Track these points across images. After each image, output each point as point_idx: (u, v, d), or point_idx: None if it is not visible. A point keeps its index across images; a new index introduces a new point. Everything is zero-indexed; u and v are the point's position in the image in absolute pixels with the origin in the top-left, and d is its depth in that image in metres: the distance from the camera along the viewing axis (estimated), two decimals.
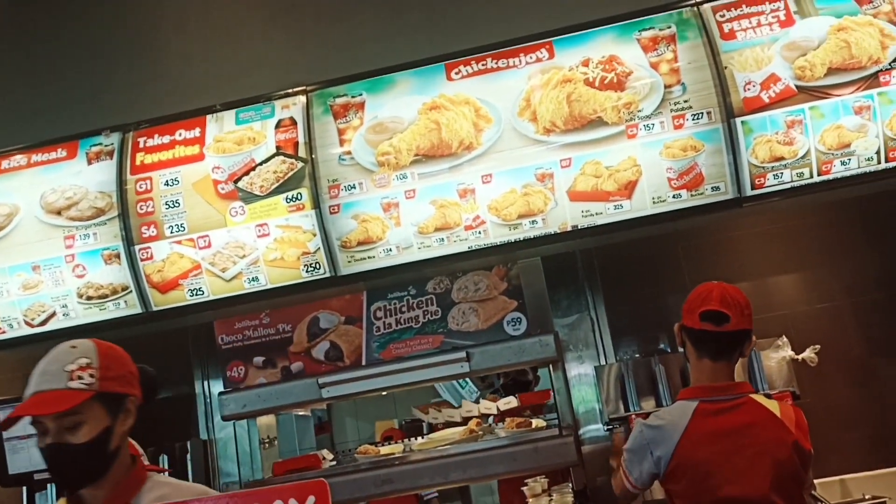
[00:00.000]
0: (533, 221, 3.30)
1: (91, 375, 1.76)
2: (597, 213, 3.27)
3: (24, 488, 3.89)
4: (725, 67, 3.22)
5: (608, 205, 3.26)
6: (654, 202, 3.24)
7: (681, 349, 2.49)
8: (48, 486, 3.84)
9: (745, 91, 3.19)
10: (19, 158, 3.66)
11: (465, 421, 3.99)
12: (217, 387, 3.90)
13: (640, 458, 2.35)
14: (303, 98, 3.50)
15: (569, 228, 3.29)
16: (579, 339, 3.86)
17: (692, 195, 3.22)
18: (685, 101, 3.22)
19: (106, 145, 3.58)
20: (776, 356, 3.58)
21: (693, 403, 2.30)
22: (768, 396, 3.29)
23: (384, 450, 3.79)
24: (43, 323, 3.54)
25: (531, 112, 3.31)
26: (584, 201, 3.28)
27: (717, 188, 3.21)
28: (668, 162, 3.22)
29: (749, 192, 3.20)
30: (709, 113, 3.20)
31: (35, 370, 1.76)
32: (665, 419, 2.35)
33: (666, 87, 3.24)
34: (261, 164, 3.43)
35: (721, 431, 2.25)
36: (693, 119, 3.21)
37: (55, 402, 1.71)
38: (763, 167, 3.18)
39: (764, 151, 3.17)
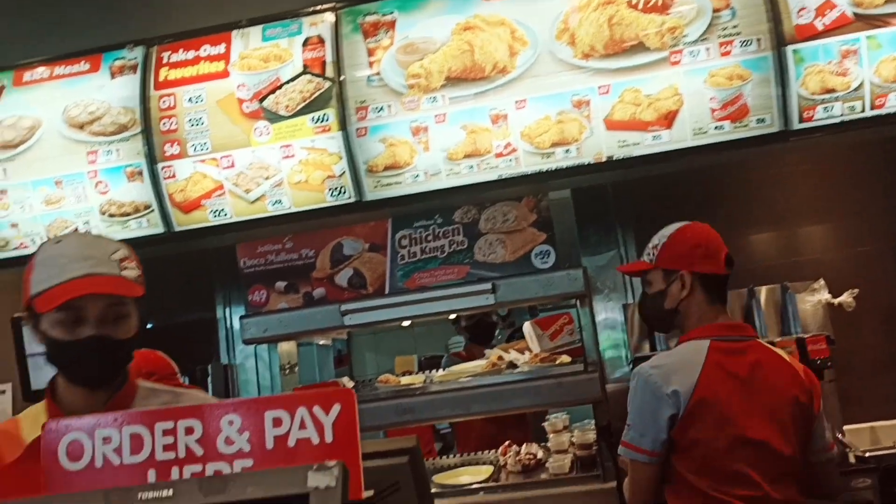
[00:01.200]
0: (567, 150, 3.18)
1: (135, 268, 1.65)
2: (634, 144, 3.14)
3: None
4: None
5: (646, 135, 3.13)
6: (694, 133, 3.10)
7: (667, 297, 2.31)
8: None
9: (797, 17, 3.01)
10: (41, 71, 3.57)
11: None
12: (239, 311, 3.87)
13: (651, 410, 2.07)
14: (332, 15, 3.37)
15: (604, 159, 3.17)
16: (607, 276, 3.77)
17: (735, 127, 3.08)
18: (733, 27, 3.05)
19: (129, 59, 3.48)
20: (812, 300, 3.48)
21: (706, 342, 2.17)
22: (800, 341, 3.23)
23: (405, 380, 3.75)
24: None
25: (569, 35, 3.16)
26: (622, 130, 3.15)
27: (763, 120, 3.07)
28: (712, 91, 3.07)
29: (796, 126, 3.06)
30: (758, 40, 3.04)
31: (62, 253, 1.59)
32: (674, 357, 2.16)
33: (714, 11, 3.07)
34: (287, 82, 3.32)
35: (736, 370, 2.12)
36: (741, 46, 3.04)
37: (121, 286, 1.59)
38: (813, 99, 3.02)
39: (815, 82, 3.01)
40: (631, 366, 3.55)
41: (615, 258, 3.76)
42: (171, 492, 0.95)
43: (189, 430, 1.11)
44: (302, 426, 1.11)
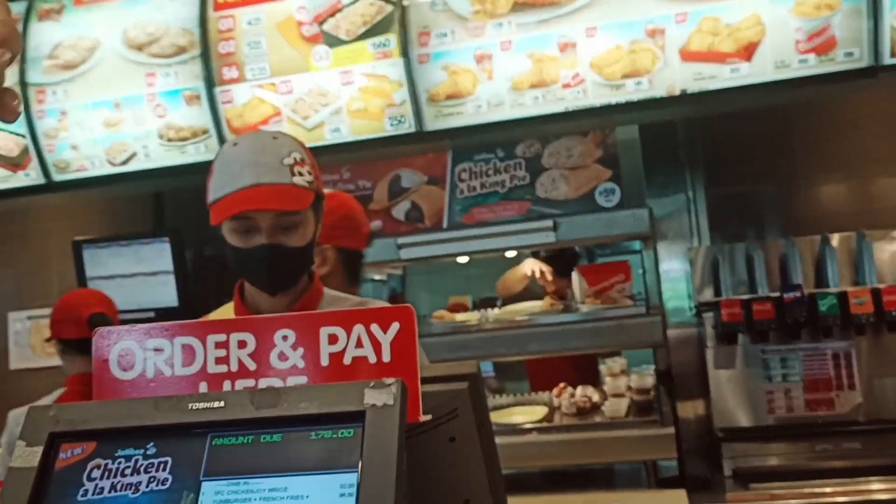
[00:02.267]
0: (638, 82, 3.03)
1: (309, 173, 1.61)
2: (710, 77, 2.97)
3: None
4: None
5: (724, 67, 2.95)
6: (776, 67, 2.91)
7: None
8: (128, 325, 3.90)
9: None
10: None
11: None
12: None
13: None
14: None
15: (677, 92, 3.01)
16: (673, 220, 3.63)
17: (821, 60, 2.88)
18: None
19: None
20: (890, 249, 3.31)
21: None
22: (875, 292, 3.08)
23: (460, 317, 3.70)
24: (124, 162, 3.48)
25: None
26: (698, 62, 2.97)
27: (851, 54, 2.86)
28: (797, 21, 2.87)
29: (887, 61, 2.84)
30: None
31: (236, 159, 1.58)
32: None
33: None
34: (348, 5, 3.21)
35: None
36: None
37: (288, 198, 1.56)
38: None
39: None
40: (694, 311, 3.44)
41: (682, 201, 3.62)
42: (222, 403, 0.90)
43: (242, 344, 1.06)
44: (358, 344, 1.04)
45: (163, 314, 3.85)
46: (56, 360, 4.21)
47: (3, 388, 4.23)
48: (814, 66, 2.88)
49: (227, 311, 1.74)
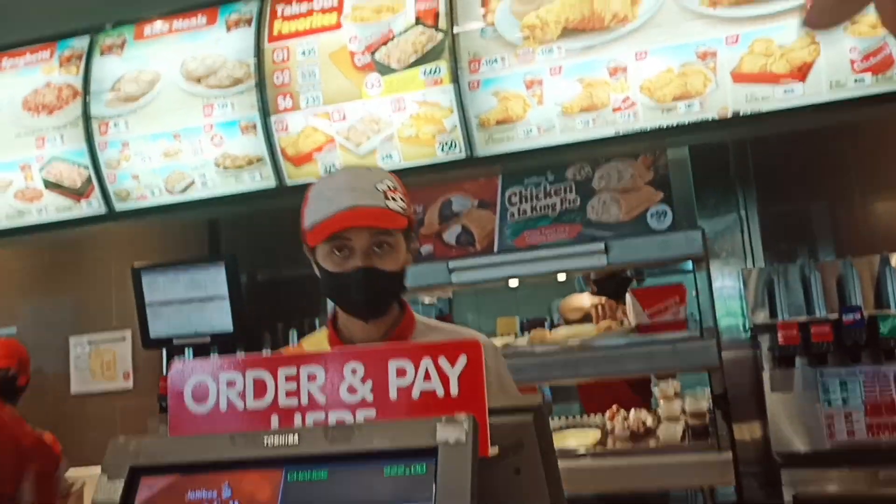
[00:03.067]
0: (689, 105, 3.02)
1: (402, 199, 1.65)
2: (763, 98, 2.95)
3: (164, 350, 4.06)
4: None
5: (777, 88, 2.93)
6: (831, 87, 2.88)
7: None
8: (185, 350, 3.99)
9: None
10: (160, 25, 3.64)
11: None
12: None
13: None
14: None
15: (729, 114, 2.99)
16: (725, 240, 3.59)
17: (877, 80, 2.84)
18: None
19: (245, 12, 3.50)
20: None
21: None
22: None
23: (509, 340, 3.70)
24: (183, 191, 3.57)
25: None
26: (750, 84, 2.95)
27: None
28: (852, 40, 2.84)
29: None
30: None
31: (331, 186, 1.65)
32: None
33: None
34: (399, 35, 3.27)
35: None
36: None
37: (383, 218, 1.61)
38: None
39: None
40: (750, 333, 3.39)
41: (735, 221, 3.58)
42: (296, 438, 0.93)
43: (312, 377, 1.09)
44: (426, 377, 1.06)
45: (218, 338, 3.93)
46: (117, 385, 4.34)
47: (64, 412, 4.34)
48: (870, 85, 2.85)
49: (320, 339, 1.77)
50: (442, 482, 0.86)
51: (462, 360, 1.07)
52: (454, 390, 1.05)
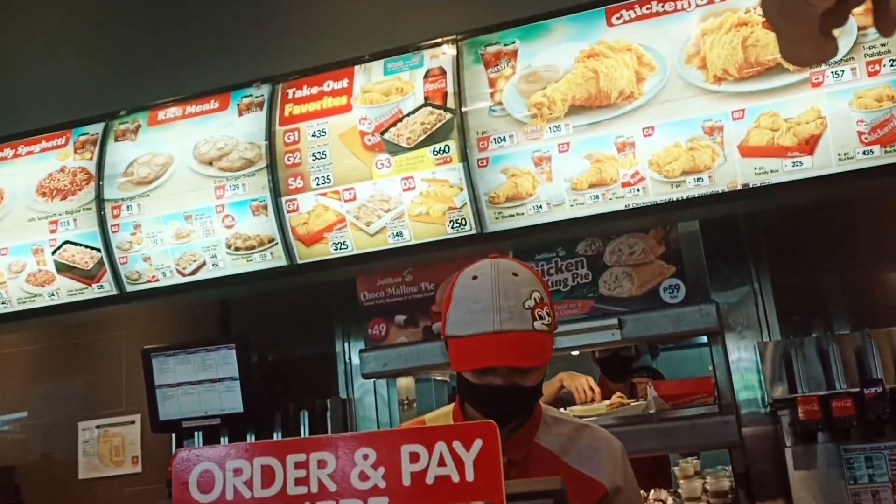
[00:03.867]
0: (698, 179, 3.02)
1: (548, 314, 1.60)
2: (772, 171, 2.95)
3: (174, 434, 4.00)
4: None
5: (785, 161, 2.93)
6: (840, 159, 2.89)
7: None
8: (195, 433, 3.93)
9: None
10: (174, 110, 3.71)
11: None
12: (358, 346, 3.86)
13: None
14: (453, 47, 3.35)
15: (738, 187, 2.99)
16: (740, 313, 3.55)
17: (886, 151, 2.84)
18: (882, 45, 2.84)
19: (256, 97, 3.57)
20: None
21: None
22: None
23: None
24: (194, 272, 3.58)
25: (700, 59, 3.02)
26: (758, 157, 2.96)
27: None
28: (858, 114, 2.86)
29: None
30: None
31: (477, 297, 1.58)
32: None
33: (859, 28, 2.86)
34: (408, 115, 3.32)
35: None
36: (891, 65, 2.82)
37: (530, 353, 1.56)
38: None
39: None
40: (769, 409, 3.32)
41: (748, 294, 3.54)
42: None
43: (322, 464, 1.05)
44: (441, 462, 1.03)
45: (228, 420, 3.87)
46: (125, 469, 4.27)
47: (72, 499, 4.26)
48: (879, 156, 2.85)
49: (446, 417, 1.75)
50: None
51: (477, 445, 1.03)
52: (470, 475, 1.02)
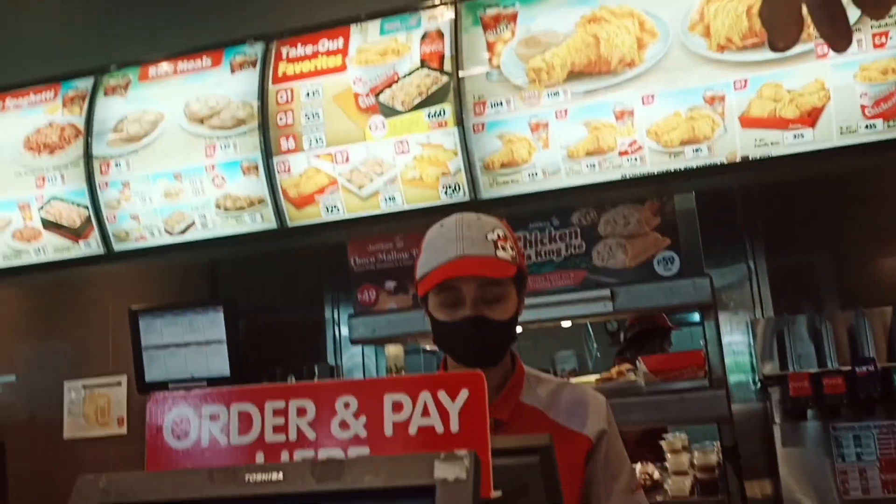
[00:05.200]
0: (697, 149, 2.98)
1: (511, 248, 1.66)
2: (772, 143, 2.91)
3: None
4: None
5: (787, 133, 2.89)
6: (841, 132, 2.84)
7: None
8: None
9: None
10: (165, 67, 3.63)
11: None
12: (347, 313, 3.82)
13: None
14: (451, 9, 3.28)
15: (738, 159, 2.95)
16: (733, 290, 3.51)
17: (889, 126, 2.80)
18: (889, 17, 2.78)
19: (249, 55, 3.50)
20: None
21: None
22: None
23: None
24: (182, 232, 3.52)
25: (703, 26, 2.96)
26: (759, 128, 2.91)
27: None
28: (862, 86, 2.81)
29: None
30: None
31: (442, 235, 1.66)
32: None
33: None
34: (404, 77, 3.25)
35: None
36: None
37: (491, 268, 1.61)
38: None
39: None
40: (759, 385, 3.30)
41: (742, 270, 3.51)
42: (280, 475, 0.85)
43: (301, 411, 1.01)
44: (425, 413, 0.98)
45: (215, 383, 3.83)
46: (111, 431, 4.23)
47: (57, 458, 4.22)
48: (882, 131, 2.81)
49: None
50: None
51: (463, 395, 0.99)
52: (454, 426, 0.98)
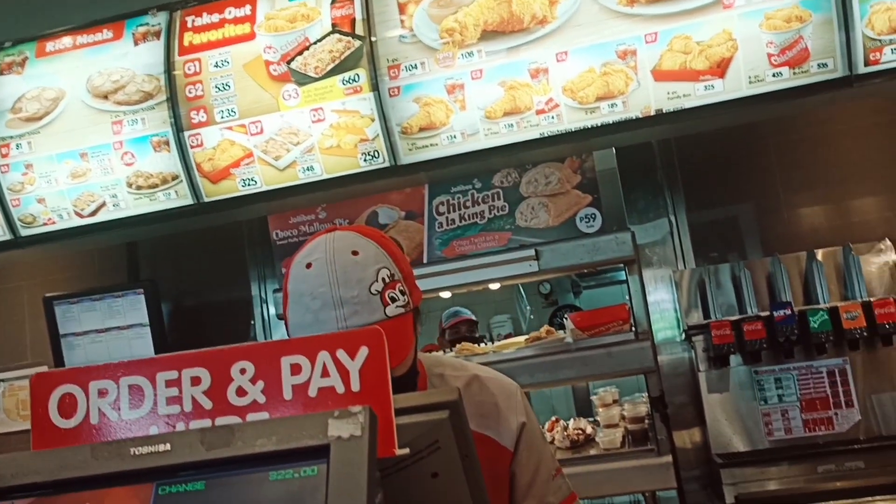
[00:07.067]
0: (612, 105, 2.98)
1: (401, 292, 1.38)
2: (684, 95, 2.93)
3: None
4: None
5: (698, 85, 2.91)
6: (750, 82, 2.88)
7: None
8: None
9: None
10: (65, 41, 3.46)
11: None
12: (274, 287, 3.75)
13: None
14: None
15: (652, 112, 2.96)
16: (656, 245, 3.57)
17: (795, 73, 2.85)
18: None
19: (153, 25, 3.36)
20: (877, 261, 3.26)
21: None
22: (866, 305, 3.01)
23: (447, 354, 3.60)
24: (93, 213, 3.39)
25: None
26: (671, 81, 2.93)
27: (825, 65, 2.83)
28: (768, 35, 2.84)
29: (861, 70, 2.81)
30: None
31: (313, 290, 1.35)
32: None
33: None
34: (315, 43, 3.17)
35: None
36: None
37: (390, 345, 1.31)
38: (879, 40, 2.78)
39: (882, 21, 2.77)
40: (684, 336, 3.36)
41: (664, 225, 3.56)
42: (167, 446, 0.81)
43: (195, 381, 0.97)
44: (324, 373, 0.96)
45: None
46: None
47: None
48: (788, 79, 2.85)
49: None
50: (335, 483, 0.75)
51: (363, 353, 0.96)
52: (355, 385, 0.95)
